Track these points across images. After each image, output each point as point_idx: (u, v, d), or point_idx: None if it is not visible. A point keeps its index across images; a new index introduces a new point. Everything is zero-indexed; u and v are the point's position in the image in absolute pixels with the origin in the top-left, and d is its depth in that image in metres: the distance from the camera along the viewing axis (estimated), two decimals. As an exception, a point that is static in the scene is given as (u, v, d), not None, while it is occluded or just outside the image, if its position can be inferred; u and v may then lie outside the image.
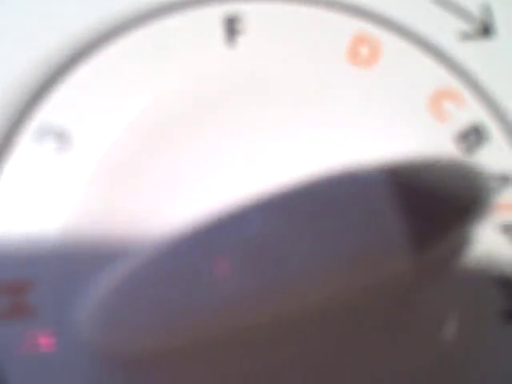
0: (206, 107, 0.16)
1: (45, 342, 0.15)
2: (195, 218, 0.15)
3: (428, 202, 0.15)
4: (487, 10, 0.17)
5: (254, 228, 0.14)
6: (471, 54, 0.17)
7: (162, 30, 0.16)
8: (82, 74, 0.16)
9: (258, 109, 0.16)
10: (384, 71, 0.17)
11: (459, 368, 0.15)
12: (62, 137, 0.15)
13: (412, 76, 0.17)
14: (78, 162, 0.15)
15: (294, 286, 0.14)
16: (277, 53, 0.16)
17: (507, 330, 0.16)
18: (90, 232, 0.15)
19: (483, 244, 0.16)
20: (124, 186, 0.15)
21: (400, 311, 0.16)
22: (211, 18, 0.16)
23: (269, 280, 0.14)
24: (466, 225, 0.16)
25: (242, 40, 0.16)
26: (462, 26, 0.17)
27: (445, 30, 0.17)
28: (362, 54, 0.17)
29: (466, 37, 0.17)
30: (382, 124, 0.16)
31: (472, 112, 0.17)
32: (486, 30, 0.17)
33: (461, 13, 0.17)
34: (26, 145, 0.15)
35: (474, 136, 0.16)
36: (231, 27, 0.16)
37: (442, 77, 0.17)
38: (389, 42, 0.17)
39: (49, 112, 0.15)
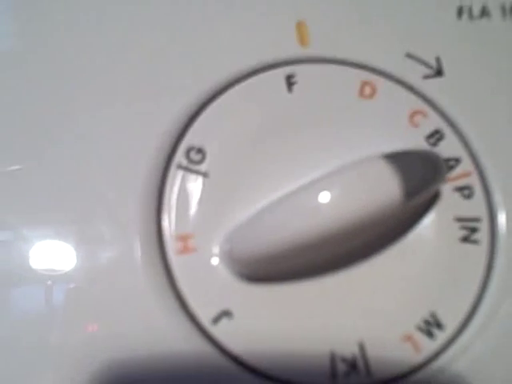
0: (280, 126, 0.24)
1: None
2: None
3: (414, 173, 0.22)
4: (438, 61, 0.25)
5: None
6: (431, 88, 0.25)
7: (252, 84, 0.24)
8: (209, 112, 0.24)
9: (306, 130, 0.24)
10: (381, 100, 0.25)
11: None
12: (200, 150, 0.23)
13: (396, 101, 0.25)
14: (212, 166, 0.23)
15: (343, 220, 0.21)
16: (317, 95, 0.24)
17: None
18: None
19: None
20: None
21: (392, 233, 0.24)
22: (276, 76, 0.25)
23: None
24: (436, 186, 0.23)
25: (296, 88, 0.25)
26: (424, 70, 0.25)
27: (415, 74, 0.25)
28: (366, 91, 0.25)
29: (427, 77, 0.25)
30: (381, 128, 0.24)
31: (434, 122, 0.25)
32: (439, 72, 0.25)
33: (423, 63, 0.25)
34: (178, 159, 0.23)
35: (436, 135, 0.24)
36: (289, 80, 0.24)
37: (415, 101, 0.25)
38: (382, 83, 0.25)
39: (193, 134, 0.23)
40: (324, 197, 0.21)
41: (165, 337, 0.22)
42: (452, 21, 0.26)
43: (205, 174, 0.23)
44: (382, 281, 0.23)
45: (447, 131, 0.25)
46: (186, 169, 0.23)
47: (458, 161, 0.24)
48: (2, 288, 0.22)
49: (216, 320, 0.22)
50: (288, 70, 0.25)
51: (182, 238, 0.23)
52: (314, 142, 0.24)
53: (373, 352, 0.22)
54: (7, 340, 0.22)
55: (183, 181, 0.23)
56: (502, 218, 0.24)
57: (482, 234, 0.24)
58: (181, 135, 0.24)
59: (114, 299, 0.22)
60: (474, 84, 0.25)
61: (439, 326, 0.23)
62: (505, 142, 0.25)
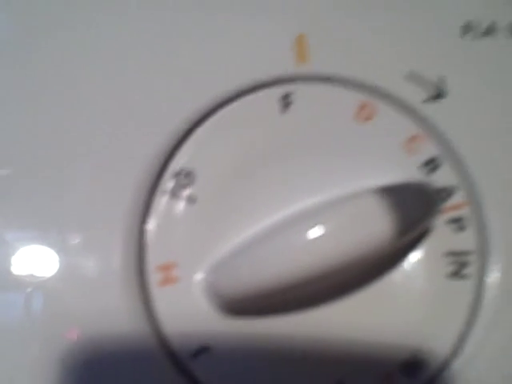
0: (272, 149, 0.23)
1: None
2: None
3: (408, 209, 0.21)
4: (442, 82, 0.24)
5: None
6: (431, 111, 0.24)
7: (244, 104, 0.23)
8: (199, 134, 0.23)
9: (300, 155, 0.23)
10: (378, 125, 0.24)
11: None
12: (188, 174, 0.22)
13: (394, 126, 0.24)
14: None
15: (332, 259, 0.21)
16: (313, 116, 0.23)
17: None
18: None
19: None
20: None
21: (383, 268, 0.23)
22: (271, 95, 0.23)
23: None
24: (428, 221, 0.22)
25: (292, 108, 0.23)
26: (426, 92, 0.24)
27: (416, 95, 0.24)
28: (364, 113, 0.24)
29: (428, 99, 0.24)
30: (377, 155, 0.24)
31: (431, 148, 0.24)
32: (441, 93, 0.24)
33: (425, 85, 0.24)
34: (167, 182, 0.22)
35: (432, 163, 0.24)
36: (286, 100, 0.23)
37: (413, 126, 0.24)
38: (381, 105, 0.24)
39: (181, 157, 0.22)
40: (312, 233, 0.21)
41: (143, 371, 0.21)
42: (456, 39, 0.25)
43: (192, 200, 0.22)
44: (364, 318, 0.23)
45: (444, 159, 0.24)
46: (173, 193, 0.22)
47: (453, 191, 0.24)
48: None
49: (195, 355, 0.22)
50: (284, 88, 0.24)
51: (165, 268, 0.22)
52: (306, 168, 0.23)
53: (352, 391, 0.22)
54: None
55: (169, 206, 0.22)
56: (494, 253, 0.23)
57: (472, 269, 0.23)
58: (168, 158, 0.23)
59: (96, 323, 0.22)
60: (477, 108, 0.24)
61: (421, 365, 0.22)
62: (505, 173, 0.24)
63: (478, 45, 0.25)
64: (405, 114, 0.24)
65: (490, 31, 0.25)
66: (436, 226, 0.23)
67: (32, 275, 0.22)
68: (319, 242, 0.21)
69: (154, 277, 0.22)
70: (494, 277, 0.24)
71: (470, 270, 0.23)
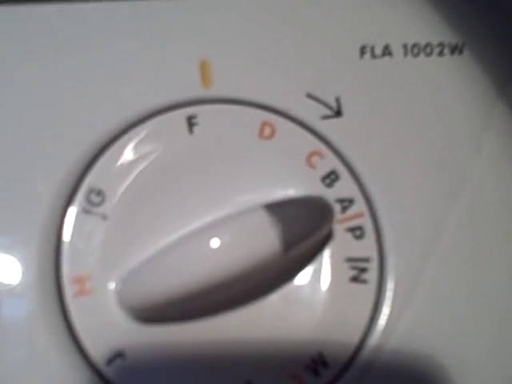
0: (180, 168, 0.25)
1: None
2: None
3: (294, 223, 0.23)
4: (338, 101, 0.26)
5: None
6: (329, 128, 0.26)
7: (152, 125, 0.25)
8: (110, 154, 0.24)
9: (205, 172, 0.25)
10: (279, 141, 0.25)
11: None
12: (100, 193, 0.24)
13: (295, 142, 0.25)
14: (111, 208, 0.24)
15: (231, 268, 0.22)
16: (218, 136, 0.25)
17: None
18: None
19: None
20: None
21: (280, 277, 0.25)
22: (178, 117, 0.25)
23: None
24: (317, 235, 0.24)
25: (197, 129, 0.25)
26: (323, 111, 0.26)
27: (314, 114, 0.26)
28: (265, 131, 0.25)
29: (326, 117, 0.26)
30: (279, 170, 0.25)
31: (330, 162, 0.25)
32: (338, 112, 0.26)
33: (323, 104, 0.26)
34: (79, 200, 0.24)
35: (331, 177, 0.25)
36: (190, 121, 0.25)
37: (313, 142, 0.26)
38: (281, 123, 0.26)
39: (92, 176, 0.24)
40: (214, 243, 0.22)
41: (60, 377, 0.23)
42: (354, 60, 0.27)
43: (104, 216, 0.24)
44: (271, 321, 0.24)
45: (343, 172, 0.26)
46: (86, 210, 0.24)
47: (351, 202, 0.25)
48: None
49: (110, 361, 0.23)
50: (189, 110, 0.25)
51: (79, 280, 0.23)
52: (212, 184, 0.25)
53: (259, 391, 0.24)
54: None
55: (83, 222, 0.24)
56: (391, 259, 0.25)
57: (371, 274, 0.25)
58: (81, 177, 0.24)
59: (14, 334, 0.23)
60: (373, 125, 0.26)
61: (325, 364, 0.24)
62: (398, 185, 0.26)
63: (376, 65, 0.27)
64: (304, 131, 0.26)
65: (386, 52, 0.27)
66: (337, 234, 0.25)
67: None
68: (217, 253, 0.22)
69: (69, 288, 0.23)
70: (390, 281, 0.25)
71: (368, 275, 0.25)
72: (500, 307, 0.26)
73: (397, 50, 0.27)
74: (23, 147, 0.24)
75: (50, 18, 0.26)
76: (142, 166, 0.25)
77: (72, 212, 0.24)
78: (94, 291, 0.24)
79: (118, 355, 0.23)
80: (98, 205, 0.24)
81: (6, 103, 0.25)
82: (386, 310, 0.25)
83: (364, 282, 0.25)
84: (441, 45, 0.27)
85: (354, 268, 0.25)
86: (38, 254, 0.23)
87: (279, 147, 0.26)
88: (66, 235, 0.24)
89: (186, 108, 0.25)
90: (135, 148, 0.25)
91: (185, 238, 0.23)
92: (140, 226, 0.24)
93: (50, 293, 0.23)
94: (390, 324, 0.25)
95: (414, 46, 0.27)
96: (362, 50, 0.27)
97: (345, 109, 0.26)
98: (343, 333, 0.25)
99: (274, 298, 0.25)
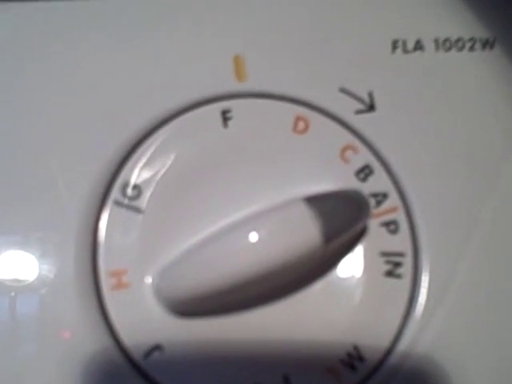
0: (214, 162, 0.25)
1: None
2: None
3: (335, 216, 0.23)
4: (371, 95, 0.26)
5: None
6: (362, 123, 0.26)
7: (186, 120, 0.25)
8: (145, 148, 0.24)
9: (240, 166, 0.25)
10: (313, 136, 0.25)
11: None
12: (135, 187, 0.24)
13: (328, 136, 0.25)
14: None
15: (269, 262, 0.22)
16: (252, 130, 0.25)
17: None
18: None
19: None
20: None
21: (316, 272, 0.25)
22: (212, 111, 0.25)
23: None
24: (357, 226, 0.24)
25: (231, 123, 0.25)
26: (357, 105, 0.26)
27: (347, 108, 0.26)
28: (299, 126, 0.25)
29: (359, 112, 0.26)
30: (313, 164, 0.25)
31: (364, 157, 0.25)
32: (371, 107, 0.26)
33: (356, 98, 0.26)
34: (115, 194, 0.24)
35: (365, 171, 0.25)
36: (225, 115, 0.25)
37: (346, 136, 0.26)
38: (315, 118, 0.26)
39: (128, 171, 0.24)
40: (252, 237, 0.22)
41: (98, 370, 0.23)
42: (386, 55, 0.27)
43: (140, 210, 0.24)
44: (307, 315, 0.24)
45: (376, 166, 0.26)
46: (122, 205, 0.24)
47: (385, 196, 0.25)
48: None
49: (147, 354, 0.23)
50: (224, 105, 0.25)
51: (116, 274, 0.23)
52: (247, 178, 0.25)
53: (297, 384, 0.23)
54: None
55: (119, 216, 0.24)
56: (425, 254, 0.25)
57: (406, 269, 0.25)
58: (117, 171, 0.24)
59: (52, 328, 0.23)
60: (406, 119, 0.26)
61: (361, 358, 0.24)
62: (431, 179, 0.26)
63: (408, 60, 0.27)
64: (338, 125, 0.26)
65: (418, 47, 0.27)
66: (371, 229, 0.25)
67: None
68: (256, 246, 0.22)
69: (106, 282, 0.23)
70: (424, 276, 0.25)
71: (403, 270, 0.25)
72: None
73: (428, 45, 0.27)
74: (60, 143, 0.25)
75: (86, 12, 0.26)
76: (177, 159, 0.25)
77: (108, 206, 0.24)
78: (131, 285, 0.23)
79: (155, 348, 0.23)
80: (134, 199, 0.24)
81: (41, 101, 0.25)
82: (420, 305, 0.25)
83: (398, 276, 0.25)
84: (472, 39, 0.27)
85: (388, 262, 0.25)
86: (76, 248, 0.23)
87: (313, 142, 0.26)
88: (103, 230, 0.24)
89: (221, 102, 0.25)
90: (170, 142, 0.25)
91: (222, 232, 0.23)
92: (175, 220, 0.24)
93: (87, 287, 0.23)
94: (425, 318, 0.25)
95: (446, 40, 0.27)
96: (394, 45, 0.27)
97: (377, 103, 0.26)
98: (378, 327, 0.25)
99: (310, 293, 0.25)
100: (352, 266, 0.25)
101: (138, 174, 0.24)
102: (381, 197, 0.25)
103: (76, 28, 0.26)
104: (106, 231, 0.24)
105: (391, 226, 0.25)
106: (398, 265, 0.25)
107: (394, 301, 0.25)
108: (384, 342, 0.24)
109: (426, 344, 0.24)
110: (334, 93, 0.26)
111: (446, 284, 0.25)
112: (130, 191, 0.24)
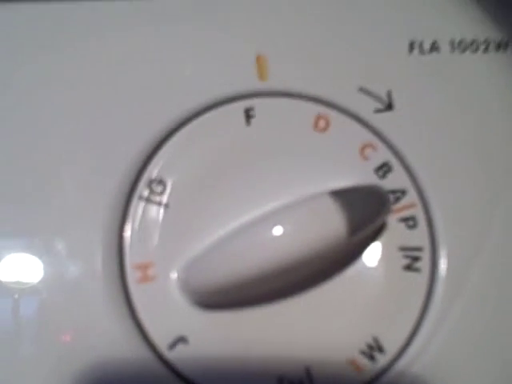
0: (237, 158, 0.25)
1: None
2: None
3: (358, 209, 0.24)
4: (389, 95, 0.26)
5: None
6: (381, 121, 0.26)
7: (211, 117, 0.26)
8: (171, 145, 0.25)
9: (263, 162, 0.25)
10: (334, 134, 0.26)
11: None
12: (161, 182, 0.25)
13: (348, 134, 0.26)
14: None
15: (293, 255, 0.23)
16: (274, 128, 0.26)
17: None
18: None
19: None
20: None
21: (337, 266, 0.25)
22: (235, 109, 0.26)
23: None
24: (379, 220, 0.25)
25: (254, 121, 0.26)
26: (376, 104, 0.26)
27: (366, 107, 0.26)
28: (320, 124, 0.26)
29: (378, 111, 0.26)
30: (334, 161, 0.26)
31: (383, 154, 0.26)
32: (389, 106, 0.26)
33: (375, 98, 0.26)
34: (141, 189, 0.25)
35: (384, 168, 0.26)
36: (248, 113, 0.26)
37: (366, 134, 0.26)
38: (335, 116, 0.26)
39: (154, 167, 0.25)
40: (276, 230, 0.23)
41: (124, 361, 0.23)
42: (403, 55, 0.27)
43: (165, 205, 0.24)
44: (328, 308, 0.25)
45: (395, 164, 0.26)
46: (148, 200, 0.24)
47: (403, 192, 0.26)
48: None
49: (172, 346, 0.23)
50: (247, 103, 0.26)
51: (142, 267, 0.24)
52: (270, 174, 0.25)
53: (318, 375, 0.24)
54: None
55: (144, 211, 0.24)
56: (442, 248, 0.25)
57: (424, 263, 0.25)
58: (143, 167, 0.25)
59: (79, 322, 0.24)
60: (423, 118, 0.27)
61: (381, 349, 0.24)
62: (449, 176, 0.26)
63: (424, 60, 0.27)
64: (358, 124, 0.26)
65: (434, 48, 0.27)
66: (390, 224, 0.26)
67: (20, 281, 0.24)
68: (280, 239, 0.23)
69: (132, 275, 0.24)
70: (442, 270, 0.25)
71: (421, 264, 0.25)
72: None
73: (444, 46, 0.28)
74: (87, 141, 0.25)
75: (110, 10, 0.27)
76: (201, 156, 0.25)
77: (134, 201, 0.24)
78: (157, 278, 0.24)
79: (180, 340, 0.24)
80: (160, 194, 0.25)
81: (69, 97, 0.26)
82: (438, 297, 0.25)
83: (417, 270, 0.25)
84: (486, 41, 0.28)
85: (407, 257, 0.25)
86: (103, 242, 0.24)
87: (333, 139, 0.26)
88: (129, 224, 0.24)
89: (244, 101, 0.26)
90: (195, 139, 0.25)
91: (245, 226, 0.24)
92: (200, 215, 0.25)
93: (114, 279, 0.24)
94: (443, 312, 0.25)
95: (461, 42, 0.28)
96: (411, 46, 0.27)
97: (396, 103, 0.27)
98: (398, 319, 0.25)
99: (331, 286, 0.25)
100: (372, 260, 0.25)
101: (163, 170, 0.25)
102: (399, 193, 0.26)
103: (109, 25, 0.27)
104: (132, 226, 0.24)
105: (410, 222, 0.25)
106: (416, 259, 0.25)
107: (413, 293, 0.25)
108: (403, 333, 0.25)
109: (443, 335, 0.25)
110: (353, 92, 0.27)
111: (462, 277, 0.26)
112: (155, 186, 0.25)
